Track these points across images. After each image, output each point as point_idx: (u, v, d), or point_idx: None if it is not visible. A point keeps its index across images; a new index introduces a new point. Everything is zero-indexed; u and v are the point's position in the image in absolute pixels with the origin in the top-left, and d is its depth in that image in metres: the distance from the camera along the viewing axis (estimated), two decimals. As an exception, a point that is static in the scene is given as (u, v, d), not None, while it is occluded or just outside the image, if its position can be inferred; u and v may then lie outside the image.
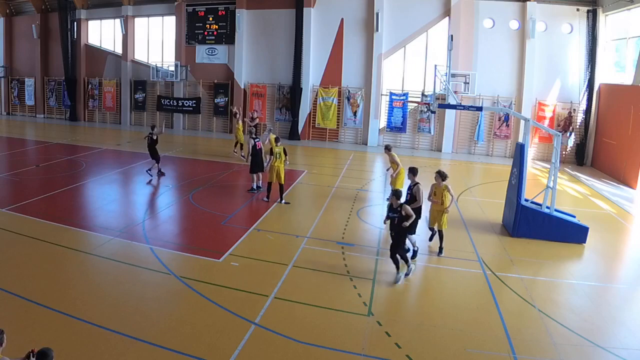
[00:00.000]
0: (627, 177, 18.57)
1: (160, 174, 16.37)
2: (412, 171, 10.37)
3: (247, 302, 7.81)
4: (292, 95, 26.11)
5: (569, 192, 17.06)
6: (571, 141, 22.66)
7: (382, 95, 25.29)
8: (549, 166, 13.89)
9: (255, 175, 14.67)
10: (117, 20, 29.60)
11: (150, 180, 15.81)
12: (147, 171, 16.16)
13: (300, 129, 26.37)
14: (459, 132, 24.59)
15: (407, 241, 9.61)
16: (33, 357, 4.39)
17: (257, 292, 8.17)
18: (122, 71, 29.89)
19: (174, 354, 6.35)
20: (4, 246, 9.79)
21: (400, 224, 8.71)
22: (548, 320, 7.67)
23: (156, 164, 16.17)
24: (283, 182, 13.69)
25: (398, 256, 8.99)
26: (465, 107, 14.05)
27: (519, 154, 11.86)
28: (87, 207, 13.50)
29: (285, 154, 13.62)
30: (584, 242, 11.36)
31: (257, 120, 19.78)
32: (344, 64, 25.64)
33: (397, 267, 8.97)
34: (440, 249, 10.35)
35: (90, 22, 31.11)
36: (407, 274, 9.10)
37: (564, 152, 22.42)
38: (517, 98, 23.42)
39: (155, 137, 16.19)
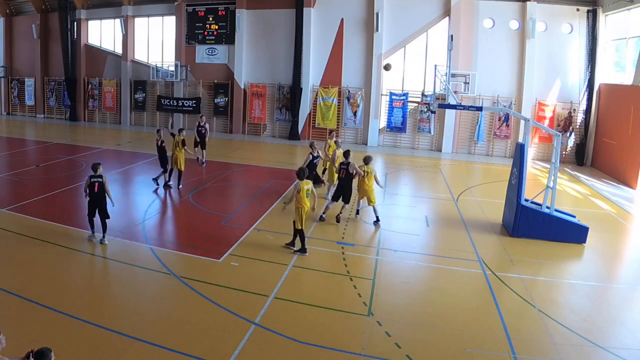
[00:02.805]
0: (627, 177, 18.56)
1: (166, 186, 14.99)
2: (346, 154, 12.43)
3: (247, 302, 7.81)
4: (292, 95, 26.10)
5: (569, 192, 17.06)
6: (571, 141, 22.65)
7: (382, 95, 25.28)
8: (549, 166, 13.88)
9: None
10: (117, 20, 29.57)
11: (156, 189, 14.75)
12: (154, 180, 14.96)
13: (300, 129, 26.37)
14: (459, 132, 24.58)
15: None
16: (32, 357, 4.39)
17: (257, 292, 8.17)
18: (122, 71, 29.87)
19: (174, 354, 6.35)
20: (4, 246, 9.79)
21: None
22: (548, 320, 7.67)
23: (163, 174, 14.94)
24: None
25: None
26: (465, 107, 14.05)
27: (519, 154, 11.86)
28: (87, 207, 13.47)
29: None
30: (584, 242, 11.35)
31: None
32: (344, 64, 25.62)
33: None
34: (300, 248, 9.90)
35: (90, 22, 31.09)
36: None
37: (563, 152, 22.41)
38: (517, 98, 23.41)
39: (160, 143, 14.81)
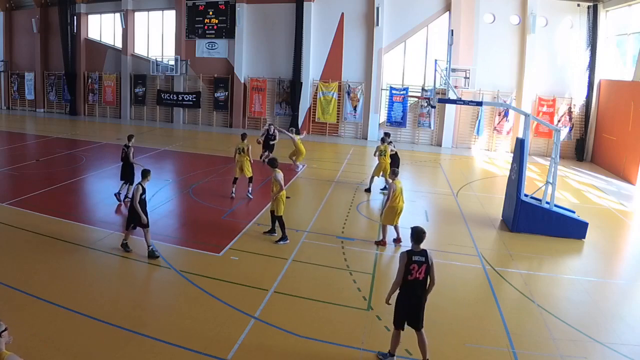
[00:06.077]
0: (627, 172, 18.57)
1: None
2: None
3: (247, 296, 7.83)
4: (292, 89, 26.07)
5: (568, 188, 17.05)
6: (564, 133, 22.48)
7: (382, 89, 25.26)
8: (547, 162, 13.86)
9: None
10: (117, 15, 29.49)
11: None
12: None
13: (300, 123, 26.34)
14: (459, 126, 24.57)
15: None
16: None
17: (257, 286, 8.20)
18: (122, 65, 29.82)
19: (174, 347, 6.37)
20: (4, 240, 9.80)
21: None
22: (547, 316, 7.69)
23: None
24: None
25: None
26: (465, 102, 14.03)
27: (519, 149, 11.85)
28: (87, 201, 13.51)
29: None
30: (584, 238, 11.37)
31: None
32: (344, 59, 25.59)
33: None
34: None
35: (90, 16, 31.01)
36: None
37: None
38: (517, 93, 23.39)
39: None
